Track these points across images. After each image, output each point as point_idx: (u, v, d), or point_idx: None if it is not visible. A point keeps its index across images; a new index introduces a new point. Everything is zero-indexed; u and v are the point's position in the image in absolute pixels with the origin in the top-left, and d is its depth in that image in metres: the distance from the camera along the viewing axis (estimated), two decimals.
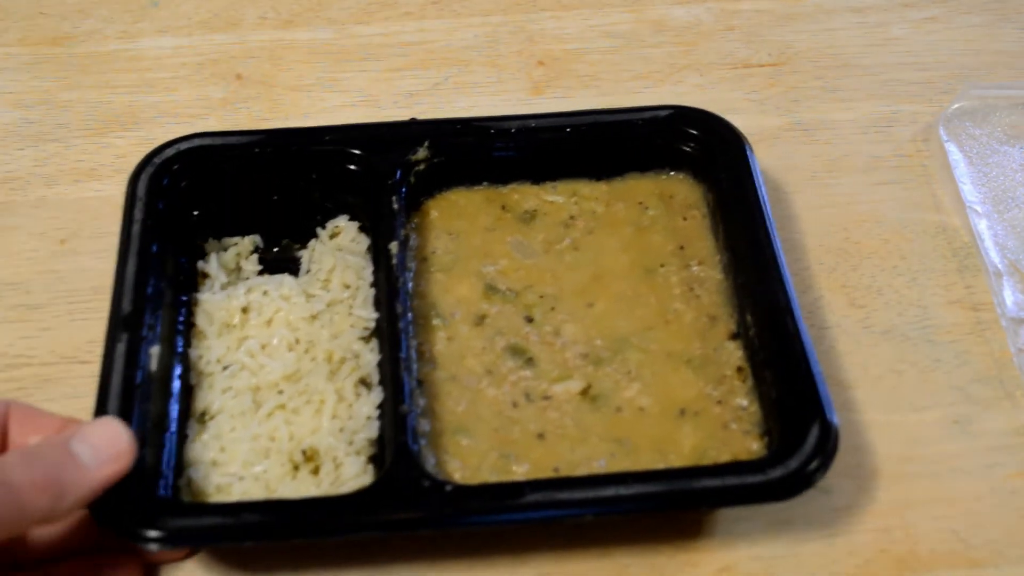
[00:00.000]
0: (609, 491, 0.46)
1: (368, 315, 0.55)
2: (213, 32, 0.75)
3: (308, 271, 0.58)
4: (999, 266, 0.60)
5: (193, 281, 0.58)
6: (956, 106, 0.67)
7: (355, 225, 0.59)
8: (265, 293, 0.56)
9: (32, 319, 0.59)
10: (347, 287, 0.56)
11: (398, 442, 0.48)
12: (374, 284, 0.56)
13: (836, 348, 0.58)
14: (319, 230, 0.59)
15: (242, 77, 0.72)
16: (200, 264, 0.58)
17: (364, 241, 0.59)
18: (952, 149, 0.65)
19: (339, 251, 0.58)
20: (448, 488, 0.46)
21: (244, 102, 0.69)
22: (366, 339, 0.55)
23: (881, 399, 0.56)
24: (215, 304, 0.56)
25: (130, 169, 0.65)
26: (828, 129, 0.69)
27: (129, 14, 0.76)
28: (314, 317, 0.56)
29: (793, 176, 0.66)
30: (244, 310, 0.56)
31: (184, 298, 0.56)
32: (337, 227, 0.59)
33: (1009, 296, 0.58)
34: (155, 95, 0.70)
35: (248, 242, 0.60)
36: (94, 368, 0.56)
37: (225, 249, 0.59)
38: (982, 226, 0.61)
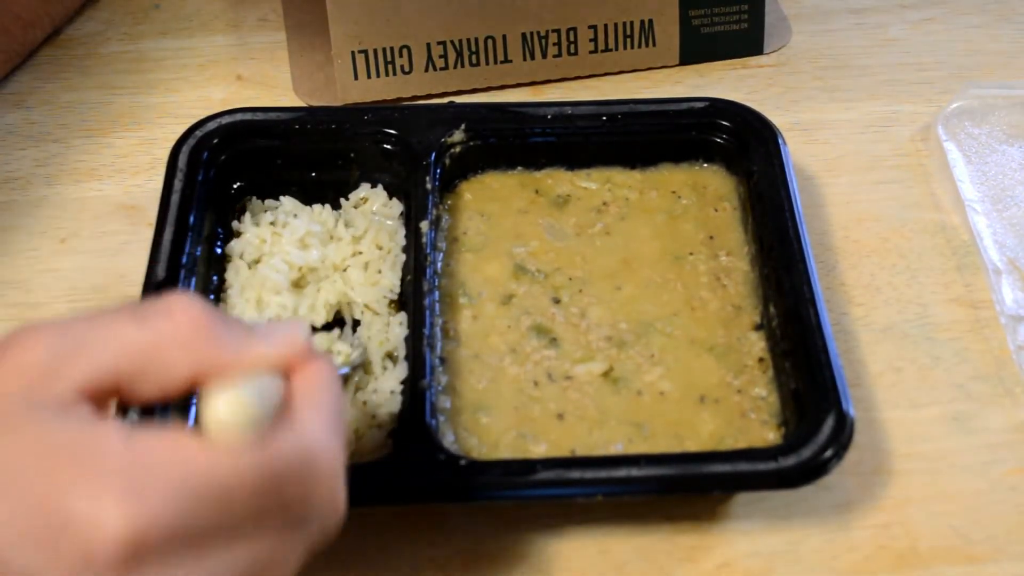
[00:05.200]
0: (621, 472, 0.47)
1: (394, 278, 0.56)
2: (214, 34, 0.75)
3: (342, 239, 0.59)
4: (998, 264, 0.60)
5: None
6: (955, 105, 0.67)
7: (382, 192, 0.60)
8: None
9: (32, 318, 0.59)
10: (379, 248, 0.58)
11: (415, 416, 0.49)
12: (405, 250, 0.57)
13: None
14: (343, 200, 0.61)
15: (242, 78, 0.72)
16: (235, 224, 0.59)
17: (397, 206, 0.60)
18: (951, 148, 0.65)
19: (373, 214, 0.59)
20: (463, 463, 0.47)
21: (245, 103, 0.70)
22: (394, 310, 0.55)
23: (881, 396, 0.56)
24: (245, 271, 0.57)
25: (130, 169, 0.66)
26: (827, 129, 0.69)
27: (131, 16, 0.76)
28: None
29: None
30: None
31: (218, 269, 0.58)
32: (362, 197, 0.60)
33: (1008, 293, 0.58)
34: (156, 96, 0.71)
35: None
36: None
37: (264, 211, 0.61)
38: (981, 224, 0.61)
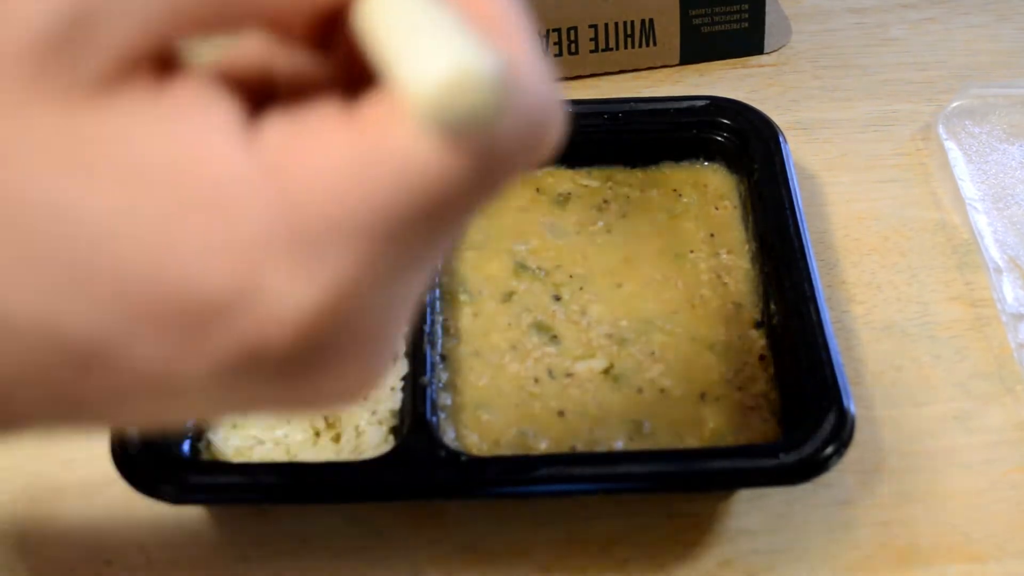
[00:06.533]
0: (621, 469, 0.47)
1: None
2: None
3: None
4: (999, 262, 0.60)
5: None
6: (955, 105, 0.67)
7: None
8: None
9: None
10: None
11: (416, 413, 0.49)
12: None
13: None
14: None
15: None
16: None
17: None
18: (951, 147, 0.65)
19: None
20: (463, 459, 0.47)
21: None
22: None
23: (881, 395, 0.56)
24: None
25: None
26: (828, 128, 0.69)
27: None
28: None
29: None
30: None
31: None
32: None
33: (1009, 292, 0.58)
34: None
35: None
36: None
37: None
38: (982, 223, 0.61)
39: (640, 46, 0.71)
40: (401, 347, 0.53)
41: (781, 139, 0.60)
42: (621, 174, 0.62)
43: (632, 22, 0.71)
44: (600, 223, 0.59)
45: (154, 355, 0.22)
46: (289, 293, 0.21)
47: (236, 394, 0.23)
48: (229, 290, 0.21)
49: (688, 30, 0.72)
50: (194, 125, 0.21)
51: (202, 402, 0.23)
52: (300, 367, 0.23)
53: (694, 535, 0.51)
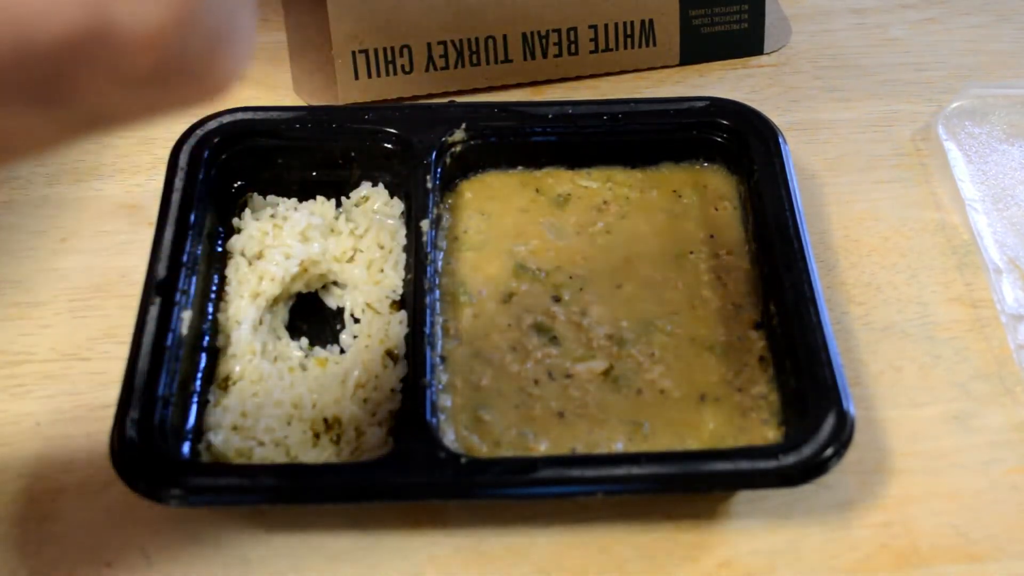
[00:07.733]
0: (621, 470, 0.47)
1: (396, 278, 0.56)
2: None
3: (341, 233, 0.59)
4: (998, 263, 0.60)
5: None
6: (955, 105, 0.67)
7: (383, 191, 0.60)
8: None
9: (32, 316, 0.59)
10: (381, 247, 0.58)
11: (416, 414, 0.49)
12: (406, 249, 0.57)
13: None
14: (344, 199, 0.60)
15: (243, 78, 0.71)
16: (235, 221, 0.59)
17: (398, 205, 0.60)
18: (951, 147, 0.65)
19: (375, 213, 0.59)
20: (463, 461, 0.47)
21: (245, 103, 0.69)
22: (395, 309, 0.56)
23: (881, 395, 0.56)
24: (243, 271, 0.57)
25: (131, 168, 0.66)
26: (827, 129, 0.69)
27: None
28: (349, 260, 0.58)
29: None
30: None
31: (219, 266, 0.58)
32: (363, 196, 0.60)
33: (1008, 292, 0.58)
34: None
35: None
36: (94, 365, 0.57)
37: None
38: (981, 223, 0.61)
39: (640, 46, 0.71)
40: (401, 349, 0.53)
41: (781, 140, 0.60)
42: (621, 175, 0.62)
43: (632, 22, 0.71)
44: (600, 224, 0.59)
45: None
46: (136, 13, 0.28)
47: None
48: (82, 27, 0.27)
49: (688, 30, 0.72)
50: None
51: None
52: (167, 71, 0.29)
53: (694, 536, 0.51)
